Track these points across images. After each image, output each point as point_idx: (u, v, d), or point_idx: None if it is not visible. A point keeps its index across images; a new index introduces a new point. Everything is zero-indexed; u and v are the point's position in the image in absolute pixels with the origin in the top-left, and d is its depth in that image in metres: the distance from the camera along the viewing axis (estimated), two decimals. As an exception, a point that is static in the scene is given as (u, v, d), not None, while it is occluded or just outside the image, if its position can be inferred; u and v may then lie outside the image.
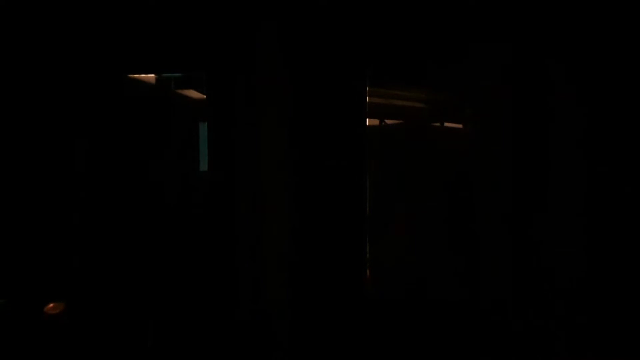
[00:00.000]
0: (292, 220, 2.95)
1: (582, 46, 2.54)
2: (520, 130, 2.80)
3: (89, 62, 3.17)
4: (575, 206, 2.54)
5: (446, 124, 3.49)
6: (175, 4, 3.03)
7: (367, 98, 3.23)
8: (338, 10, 2.96)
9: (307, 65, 2.97)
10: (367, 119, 3.28)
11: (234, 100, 2.99)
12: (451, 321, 3.15)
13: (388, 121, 3.53)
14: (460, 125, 3.29)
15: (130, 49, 3.16)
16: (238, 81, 2.97)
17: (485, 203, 2.94)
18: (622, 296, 2.50)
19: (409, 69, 3.15)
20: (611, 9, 2.49)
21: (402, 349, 3.35)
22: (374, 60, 3.06)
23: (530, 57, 2.70)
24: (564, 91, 2.56)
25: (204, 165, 5.47)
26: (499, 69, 2.81)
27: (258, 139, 2.98)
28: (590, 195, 2.54)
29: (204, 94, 3.96)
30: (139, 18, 3.07)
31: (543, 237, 2.62)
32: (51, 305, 2.71)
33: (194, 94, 4.11)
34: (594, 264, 2.52)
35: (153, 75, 4.73)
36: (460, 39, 2.88)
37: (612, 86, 2.49)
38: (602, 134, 2.55)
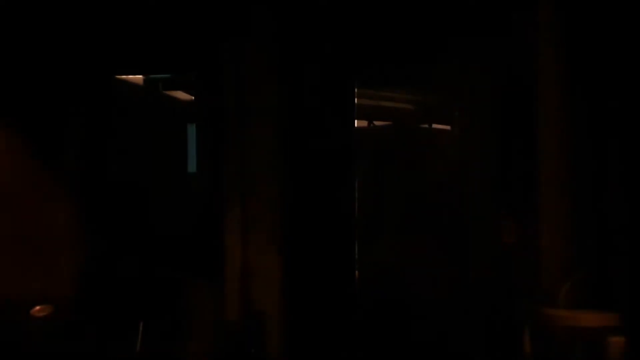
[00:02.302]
0: (280, 219, 2.96)
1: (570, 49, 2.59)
2: (507, 131, 2.85)
3: (79, 63, 3.15)
4: (561, 205, 2.58)
5: (434, 126, 3.54)
6: (168, 8, 3.02)
7: (356, 100, 3.26)
8: (328, 12, 2.98)
9: (297, 66, 2.98)
10: (356, 121, 3.31)
11: (223, 102, 2.99)
12: (441, 320, 3.18)
13: (377, 122, 3.57)
14: (448, 127, 3.34)
15: (120, 50, 3.14)
16: (228, 83, 2.97)
17: (472, 202, 2.98)
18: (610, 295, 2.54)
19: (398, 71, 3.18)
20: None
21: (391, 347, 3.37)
22: (363, 61, 3.09)
23: (517, 61, 2.75)
24: (550, 93, 2.61)
25: (192, 167, 5.48)
26: (487, 72, 2.86)
27: (247, 141, 2.99)
28: (575, 195, 2.58)
29: (192, 95, 3.97)
30: (132, 19, 3.04)
31: (532, 235, 2.66)
32: (38, 307, 2.68)
33: (181, 95, 4.11)
34: (580, 261, 2.57)
35: (141, 76, 4.71)
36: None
37: (599, 89, 2.55)
38: (587, 136, 2.60)
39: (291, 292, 2.92)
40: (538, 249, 2.60)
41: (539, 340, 2.55)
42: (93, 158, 3.19)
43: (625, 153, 2.45)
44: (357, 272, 3.32)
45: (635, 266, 2.38)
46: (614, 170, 2.49)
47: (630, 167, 2.42)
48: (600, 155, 2.54)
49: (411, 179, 3.54)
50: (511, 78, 2.81)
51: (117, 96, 3.31)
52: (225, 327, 2.71)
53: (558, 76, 2.59)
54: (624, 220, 2.43)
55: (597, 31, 2.51)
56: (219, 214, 2.96)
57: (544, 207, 2.59)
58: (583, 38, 2.55)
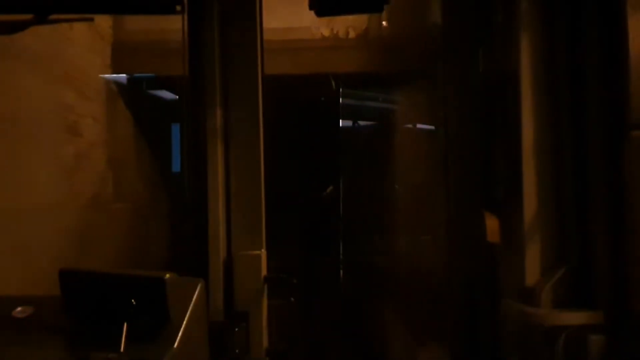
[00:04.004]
0: (265, 219, 2.96)
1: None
2: (490, 131, 2.87)
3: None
4: (543, 204, 2.61)
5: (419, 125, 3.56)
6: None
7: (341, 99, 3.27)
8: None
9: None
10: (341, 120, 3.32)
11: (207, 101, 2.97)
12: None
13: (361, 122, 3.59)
14: (432, 127, 3.36)
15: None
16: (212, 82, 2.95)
17: (457, 201, 3.00)
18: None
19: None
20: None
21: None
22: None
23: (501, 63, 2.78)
24: (532, 91, 2.63)
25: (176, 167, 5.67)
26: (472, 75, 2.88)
27: (232, 140, 2.98)
28: (557, 194, 2.61)
29: (176, 94, 3.96)
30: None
31: (515, 234, 2.68)
32: (19, 308, 2.64)
33: (166, 94, 4.10)
34: (562, 260, 2.59)
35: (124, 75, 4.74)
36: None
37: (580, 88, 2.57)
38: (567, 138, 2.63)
39: (276, 292, 2.92)
40: (521, 248, 2.62)
41: (521, 340, 2.58)
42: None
43: (606, 153, 2.48)
44: (341, 271, 3.33)
45: (615, 265, 2.41)
46: (595, 170, 2.51)
47: (610, 165, 2.45)
48: (582, 154, 2.57)
49: (396, 178, 3.58)
50: (493, 77, 2.83)
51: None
52: (209, 327, 2.70)
53: (539, 75, 2.62)
54: (605, 219, 2.46)
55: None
56: (203, 215, 2.94)
57: (527, 206, 2.61)
58: (564, 35, 2.58)
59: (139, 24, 4.69)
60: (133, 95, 5.17)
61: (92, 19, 3.32)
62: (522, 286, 2.60)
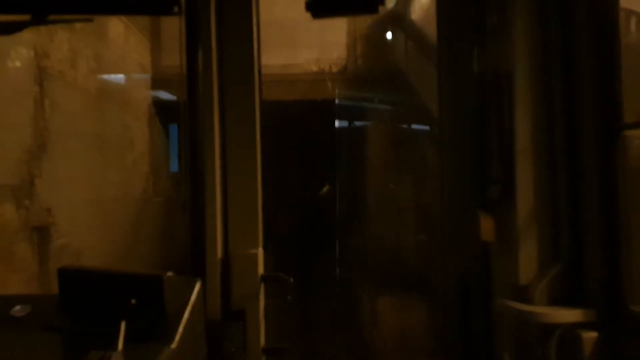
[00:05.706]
0: (262, 220, 2.97)
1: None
2: (484, 130, 2.89)
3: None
4: (537, 203, 2.63)
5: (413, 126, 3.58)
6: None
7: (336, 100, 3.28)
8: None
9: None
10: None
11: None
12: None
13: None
14: (427, 127, 3.37)
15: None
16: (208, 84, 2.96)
17: (451, 201, 3.02)
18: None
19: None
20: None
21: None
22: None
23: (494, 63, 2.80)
24: (526, 91, 2.65)
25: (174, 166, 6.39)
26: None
27: (229, 139, 2.99)
28: (551, 193, 2.63)
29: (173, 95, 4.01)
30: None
31: (509, 233, 2.70)
32: (17, 307, 2.66)
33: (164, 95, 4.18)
34: (556, 258, 2.61)
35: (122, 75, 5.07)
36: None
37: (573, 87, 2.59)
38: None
39: (273, 290, 2.93)
40: (515, 246, 2.64)
41: (515, 337, 2.60)
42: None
43: (599, 152, 2.50)
44: (337, 269, 3.34)
45: (608, 263, 2.43)
46: (588, 169, 2.54)
47: (603, 164, 2.47)
48: (576, 153, 2.59)
49: (391, 178, 3.59)
50: (488, 76, 2.85)
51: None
52: (206, 326, 2.71)
53: (534, 75, 2.64)
54: (598, 217, 2.48)
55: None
56: (200, 216, 2.95)
57: (521, 205, 2.63)
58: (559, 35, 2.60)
59: (171, 60, 5.77)
60: (164, 113, 6.81)
61: (91, 20, 3.38)
62: (516, 284, 2.62)
